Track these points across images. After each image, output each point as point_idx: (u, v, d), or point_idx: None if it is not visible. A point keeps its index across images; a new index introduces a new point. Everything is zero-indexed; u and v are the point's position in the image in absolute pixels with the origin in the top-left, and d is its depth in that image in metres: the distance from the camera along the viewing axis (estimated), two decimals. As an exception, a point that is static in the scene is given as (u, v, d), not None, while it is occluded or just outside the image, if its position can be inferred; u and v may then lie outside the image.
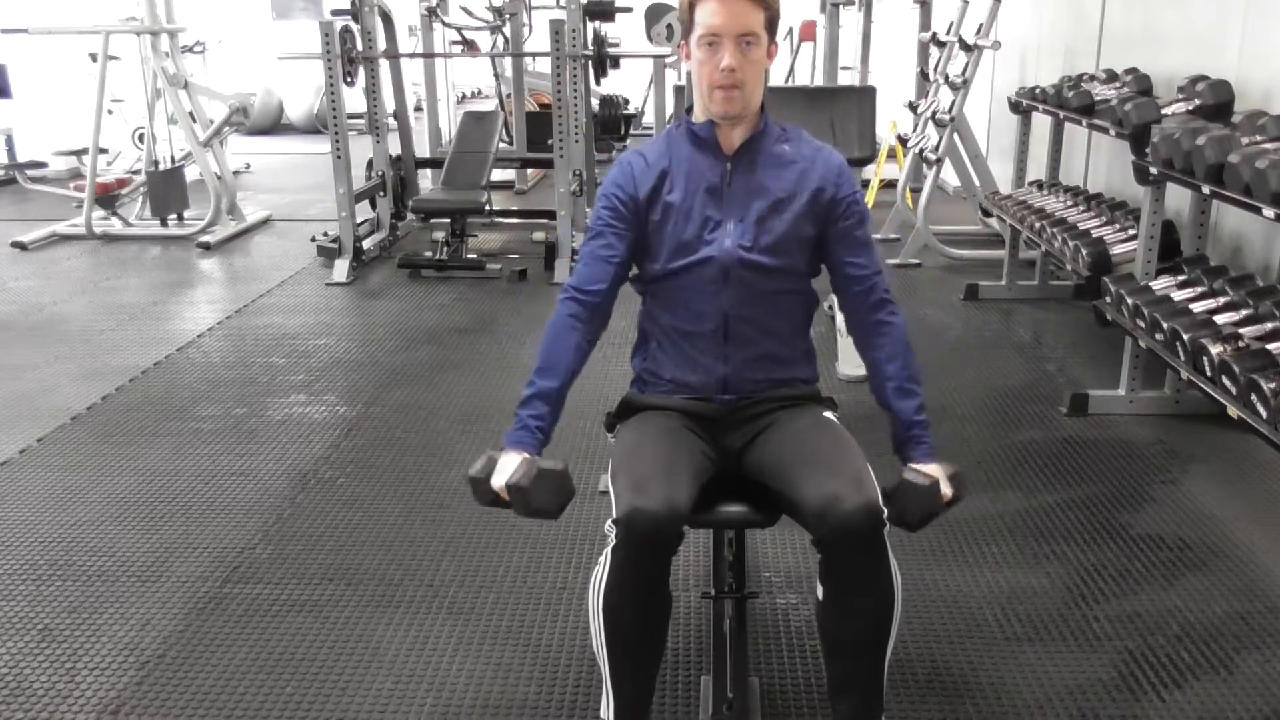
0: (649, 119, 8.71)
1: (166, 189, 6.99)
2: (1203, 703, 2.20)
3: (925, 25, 7.47)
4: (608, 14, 7.28)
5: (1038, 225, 4.55)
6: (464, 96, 9.75)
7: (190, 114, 6.96)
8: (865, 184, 7.29)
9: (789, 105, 4.39)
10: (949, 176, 6.63)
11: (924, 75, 6.99)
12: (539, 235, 6.48)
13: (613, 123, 8.81)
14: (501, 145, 6.89)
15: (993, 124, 7.38)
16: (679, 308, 2.03)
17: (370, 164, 6.64)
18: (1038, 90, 5.03)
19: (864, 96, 4.58)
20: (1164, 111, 3.67)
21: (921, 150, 6.23)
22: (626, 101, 9.05)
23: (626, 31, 7.91)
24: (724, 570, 2.13)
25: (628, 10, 7.30)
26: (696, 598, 2.54)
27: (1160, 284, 3.53)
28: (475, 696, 2.25)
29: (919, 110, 6.53)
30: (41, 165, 8.69)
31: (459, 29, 7.86)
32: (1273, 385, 2.60)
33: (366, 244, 6.21)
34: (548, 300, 5.37)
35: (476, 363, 4.45)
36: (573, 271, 2.05)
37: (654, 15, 6.55)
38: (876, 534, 1.76)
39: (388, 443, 3.60)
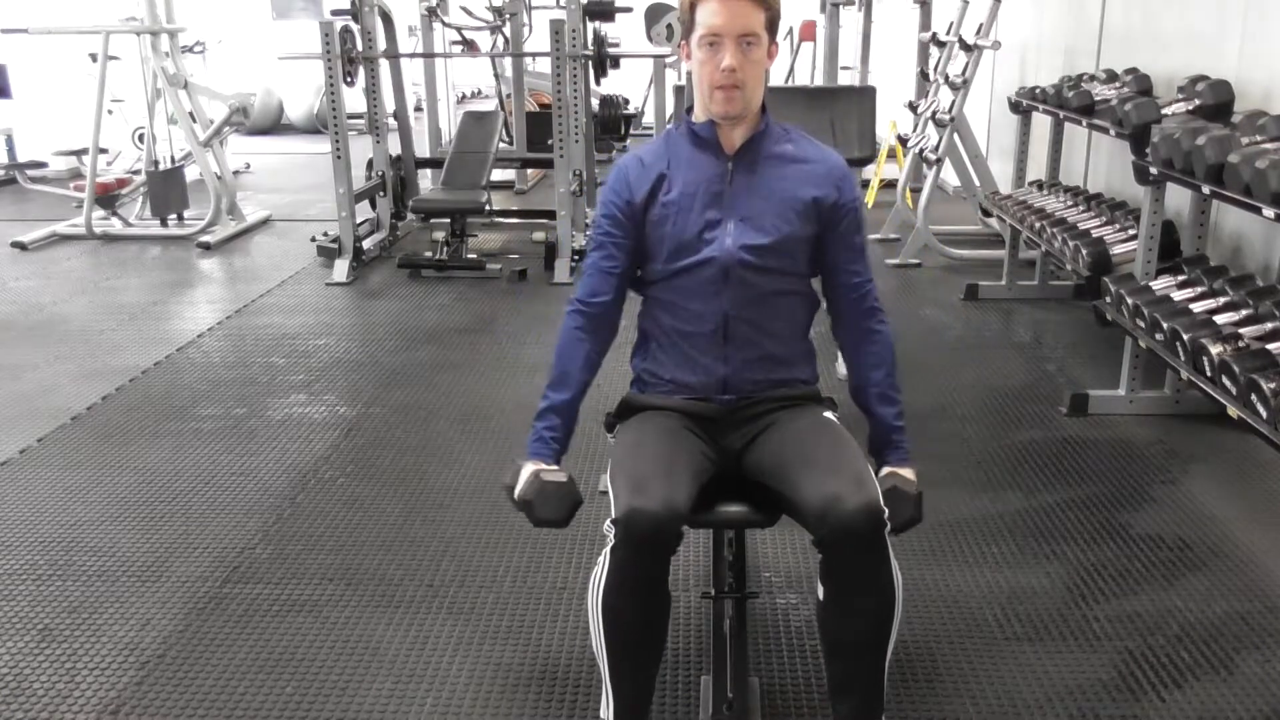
0: (649, 119, 8.72)
1: (166, 189, 6.99)
2: (1203, 703, 2.20)
3: (925, 25, 7.47)
4: (608, 14, 7.28)
5: (1038, 225, 4.55)
6: (464, 96, 9.75)
7: (190, 114, 6.96)
8: (865, 184, 7.29)
9: (789, 105, 4.38)
10: (949, 176, 6.63)
11: (924, 75, 6.99)
12: (539, 235, 6.47)
13: (613, 123, 8.81)
14: (501, 145, 6.89)
15: (993, 124, 7.38)
16: (679, 308, 2.03)
17: (370, 164, 6.64)
18: (1038, 90, 5.03)
19: (864, 96, 4.57)
20: (1164, 111, 3.67)
21: (921, 150, 6.23)
22: (626, 101, 9.05)
23: (626, 31, 7.91)
24: (724, 570, 2.13)
25: (628, 10, 7.30)
26: (696, 598, 2.54)
27: (1160, 284, 3.53)
28: (475, 696, 2.25)
29: (919, 110, 6.53)
30: (41, 165, 8.69)
31: (459, 29, 7.86)
32: (1273, 385, 2.60)
33: (366, 244, 6.21)
34: (548, 300, 5.38)
35: (476, 363, 4.45)
36: (579, 283, 2.10)
37: (654, 15, 6.55)
38: (877, 534, 1.76)
39: (388, 443, 3.60)
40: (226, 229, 6.94)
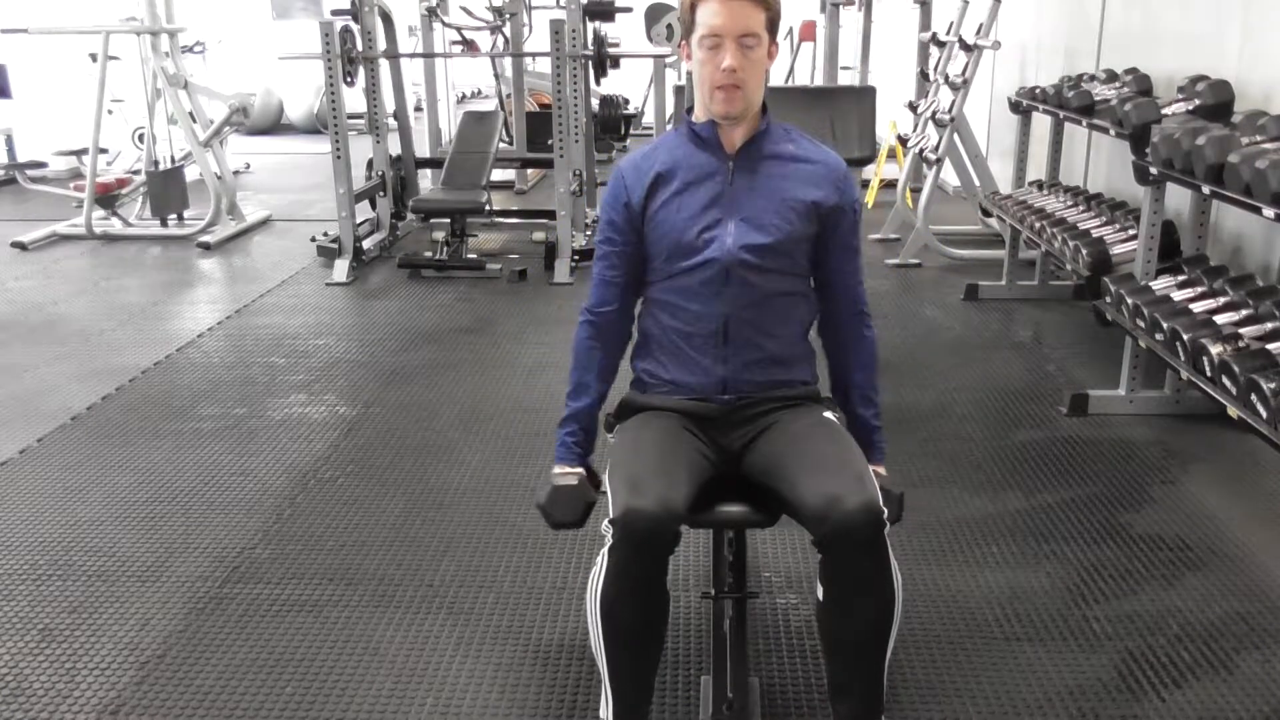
0: (649, 119, 8.72)
1: (166, 189, 6.99)
2: (1203, 703, 2.20)
3: (925, 25, 7.47)
4: (608, 14, 7.28)
5: (1038, 225, 4.55)
6: (464, 96, 9.75)
7: (190, 114, 6.96)
8: (865, 184, 7.29)
9: (789, 105, 4.40)
10: (949, 176, 6.62)
11: (924, 75, 6.99)
12: (539, 235, 6.48)
13: (613, 123, 8.82)
14: (501, 145, 6.89)
15: (993, 124, 7.38)
16: (679, 309, 2.03)
17: (370, 164, 6.64)
18: (1038, 90, 5.03)
19: (864, 96, 4.59)
20: (1164, 111, 3.67)
21: (921, 150, 6.23)
22: (626, 101, 9.05)
23: (626, 31, 7.91)
24: (724, 570, 2.13)
25: (628, 10, 7.30)
26: (696, 598, 2.54)
27: (1160, 284, 3.53)
28: (475, 696, 2.25)
29: (919, 110, 6.53)
30: (41, 165, 8.69)
31: (459, 29, 7.86)
32: (1273, 385, 2.60)
33: (366, 244, 6.21)
34: (548, 300, 5.38)
35: (476, 363, 4.45)
36: (590, 290, 2.14)
37: (654, 15, 6.55)
38: (878, 534, 1.76)
39: (388, 443, 3.60)
40: (226, 229, 6.94)
